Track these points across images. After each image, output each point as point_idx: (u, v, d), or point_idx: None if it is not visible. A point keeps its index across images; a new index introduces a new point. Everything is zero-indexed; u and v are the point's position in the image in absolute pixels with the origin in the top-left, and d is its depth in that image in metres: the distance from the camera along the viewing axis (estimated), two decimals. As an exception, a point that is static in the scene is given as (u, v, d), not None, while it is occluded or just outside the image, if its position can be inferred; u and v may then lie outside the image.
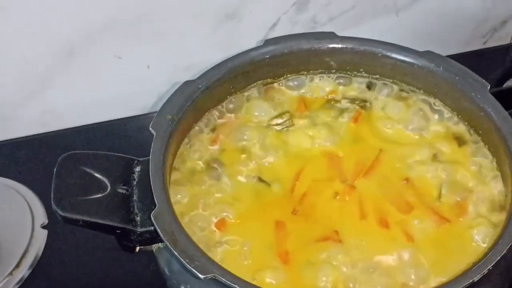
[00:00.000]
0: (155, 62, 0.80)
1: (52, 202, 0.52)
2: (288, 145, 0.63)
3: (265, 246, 0.55)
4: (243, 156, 0.62)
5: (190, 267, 0.47)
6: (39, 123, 0.83)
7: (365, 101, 0.66)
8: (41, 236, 0.73)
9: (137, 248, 0.55)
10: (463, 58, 0.92)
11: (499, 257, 0.47)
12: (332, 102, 0.67)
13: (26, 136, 0.84)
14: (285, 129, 0.64)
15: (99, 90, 0.81)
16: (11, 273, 0.70)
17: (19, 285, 0.69)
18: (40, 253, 0.72)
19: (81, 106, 0.82)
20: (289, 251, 0.54)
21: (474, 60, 0.94)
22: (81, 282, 0.70)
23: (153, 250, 0.56)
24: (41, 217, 0.75)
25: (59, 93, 0.79)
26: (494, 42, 0.95)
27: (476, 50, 0.95)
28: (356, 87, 0.67)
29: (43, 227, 0.74)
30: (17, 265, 0.70)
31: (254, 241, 0.55)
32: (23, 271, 0.70)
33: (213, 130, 0.64)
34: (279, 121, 0.65)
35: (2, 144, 0.83)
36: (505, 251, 0.47)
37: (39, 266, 0.71)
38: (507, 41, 0.95)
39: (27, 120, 0.82)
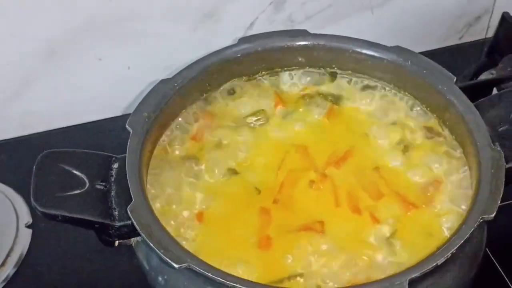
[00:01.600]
0: (136, 62, 0.82)
1: (32, 198, 0.53)
2: (264, 140, 0.64)
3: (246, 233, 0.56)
4: (220, 152, 0.63)
5: (165, 257, 0.48)
6: (20, 124, 0.84)
7: (338, 96, 0.68)
8: (26, 235, 0.75)
9: (116, 243, 0.56)
10: (439, 53, 0.94)
11: (462, 241, 0.48)
12: (306, 98, 0.68)
13: (8, 139, 0.85)
14: (259, 125, 0.65)
15: (80, 91, 0.82)
16: (-4, 272, 0.71)
17: (3, 284, 0.70)
18: (24, 252, 0.73)
19: (62, 107, 0.83)
20: (271, 237, 0.56)
21: (451, 55, 0.96)
22: (66, 279, 0.72)
23: (132, 244, 0.57)
24: (26, 217, 0.76)
25: (40, 94, 0.81)
26: (469, 37, 0.97)
27: (452, 46, 0.97)
28: (329, 82, 0.68)
29: (28, 226, 0.75)
30: (2, 264, 0.72)
31: (234, 230, 0.56)
32: (8, 270, 0.72)
33: (189, 127, 0.65)
34: (254, 118, 0.66)
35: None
36: (468, 235, 0.49)
37: (24, 265, 0.73)
38: (482, 36, 0.97)
39: (8, 122, 0.83)
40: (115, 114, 0.86)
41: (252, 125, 0.66)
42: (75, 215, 0.53)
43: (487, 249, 0.65)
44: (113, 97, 0.84)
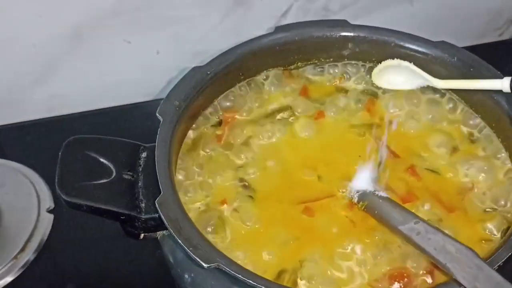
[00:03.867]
0: (165, 48, 0.80)
1: (56, 186, 0.51)
2: (292, 134, 0.62)
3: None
4: (246, 148, 0.61)
5: (194, 256, 0.46)
6: (46, 107, 0.83)
7: (375, 93, 0.65)
8: (47, 220, 0.73)
9: (142, 235, 0.54)
10: (477, 50, 0.90)
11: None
12: (342, 91, 0.65)
13: (33, 120, 0.84)
14: (288, 119, 0.63)
15: (107, 75, 0.80)
16: (16, 257, 0.69)
17: (23, 269, 0.69)
18: (45, 238, 0.72)
19: (88, 91, 0.81)
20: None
21: (489, 52, 0.92)
22: (85, 267, 0.70)
23: (157, 238, 0.55)
24: (47, 202, 0.75)
25: (66, 77, 0.79)
26: (510, 34, 0.93)
27: (491, 42, 0.93)
28: (367, 77, 0.66)
29: (49, 211, 0.74)
30: (22, 249, 0.70)
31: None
32: (28, 255, 0.70)
33: (220, 120, 0.63)
34: (281, 115, 0.64)
35: (10, 128, 0.83)
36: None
37: (44, 251, 0.71)
38: (524, 32, 0.94)
39: (34, 104, 0.82)
40: (141, 99, 0.84)
41: (281, 119, 0.63)
42: (100, 206, 0.51)
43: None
44: (140, 82, 0.82)
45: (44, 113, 0.83)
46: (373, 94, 0.65)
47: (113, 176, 0.53)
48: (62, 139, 0.69)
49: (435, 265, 0.49)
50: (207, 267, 0.45)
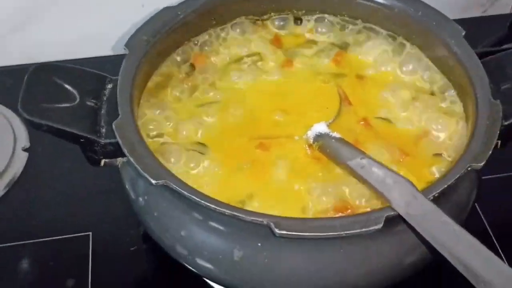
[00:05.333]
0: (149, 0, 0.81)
1: (19, 106, 0.53)
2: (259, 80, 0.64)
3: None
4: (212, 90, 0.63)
5: (144, 173, 0.48)
6: (25, 55, 0.84)
7: (344, 44, 0.66)
8: (21, 158, 0.75)
9: (102, 162, 0.56)
10: (461, 23, 0.92)
11: (446, 185, 0.47)
12: (311, 44, 0.67)
13: (11, 65, 0.85)
14: (256, 65, 0.65)
15: (89, 26, 0.82)
16: (-15, 191, 0.71)
17: (-9, 203, 0.70)
18: (18, 175, 0.74)
19: (69, 41, 0.83)
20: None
21: (473, 27, 0.93)
22: (56, 205, 0.72)
23: (118, 166, 0.56)
24: (24, 140, 0.76)
25: (46, 26, 0.81)
26: (493, 11, 0.94)
27: (475, 17, 0.94)
28: (337, 31, 0.67)
29: (25, 150, 0.75)
30: (-7, 184, 0.72)
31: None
32: (-1, 190, 0.71)
33: (190, 63, 0.64)
34: (249, 60, 0.65)
35: (-8, 71, 0.85)
36: (453, 180, 0.47)
37: (15, 187, 0.73)
38: (506, 11, 0.95)
39: (14, 51, 0.84)
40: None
41: (247, 66, 0.65)
42: (60, 127, 0.53)
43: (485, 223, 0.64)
44: (124, 35, 0.83)
45: (22, 59, 0.84)
46: (341, 46, 0.66)
47: (76, 102, 0.55)
48: None
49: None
50: (155, 183, 0.47)
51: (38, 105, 0.53)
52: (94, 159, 0.56)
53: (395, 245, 0.49)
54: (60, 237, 0.68)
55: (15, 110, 0.78)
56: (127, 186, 0.55)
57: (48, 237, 0.68)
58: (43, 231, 0.69)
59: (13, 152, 0.75)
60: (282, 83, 0.64)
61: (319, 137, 0.56)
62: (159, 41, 0.60)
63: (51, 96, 0.55)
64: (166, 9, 0.62)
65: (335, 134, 0.56)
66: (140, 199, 0.53)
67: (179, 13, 0.62)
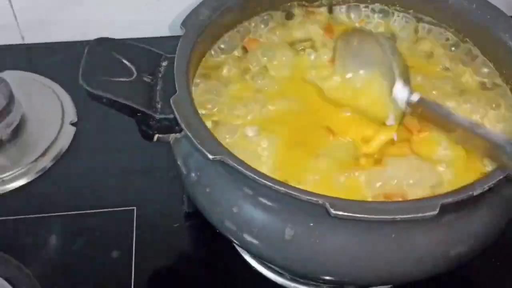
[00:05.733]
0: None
1: (80, 77, 0.54)
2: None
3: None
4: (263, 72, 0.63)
5: (201, 147, 0.48)
6: (78, 30, 0.85)
7: (393, 34, 0.67)
8: (69, 132, 0.77)
9: (155, 137, 0.57)
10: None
11: (502, 176, 0.47)
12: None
13: (66, 42, 0.87)
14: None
15: (146, 5, 0.84)
16: (35, 161, 0.73)
17: (39, 174, 0.73)
18: (65, 148, 0.75)
19: (123, 20, 0.84)
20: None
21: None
22: (101, 180, 0.73)
23: (170, 142, 0.58)
24: (71, 115, 0.78)
25: (100, 4, 0.83)
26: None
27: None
28: (385, 19, 0.68)
29: (72, 124, 0.77)
30: (41, 155, 0.74)
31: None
32: (46, 162, 0.74)
33: (242, 46, 0.65)
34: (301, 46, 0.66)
35: (44, 46, 0.87)
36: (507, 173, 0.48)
37: (62, 160, 0.75)
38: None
39: (67, 26, 0.85)
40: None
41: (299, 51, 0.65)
42: (120, 100, 0.54)
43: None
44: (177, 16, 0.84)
45: (76, 35, 0.86)
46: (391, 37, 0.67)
47: (133, 77, 0.56)
48: None
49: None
50: (212, 158, 0.48)
51: (98, 78, 0.55)
52: (148, 134, 0.57)
53: (446, 234, 0.49)
54: (105, 209, 0.70)
55: (64, 85, 0.81)
56: (179, 162, 0.56)
57: (93, 210, 0.69)
58: (88, 204, 0.70)
59: (61, 126, 0.77)
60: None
61: (420, 101, 0.55)
62: (214, 22, 0.61)
63: (110, 69, 0.56)
64: (223, -9, 0.62)
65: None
66: (193, 174, 0.54)
67: (234, -5, 0.62)
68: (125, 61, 0.57)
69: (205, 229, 0.67)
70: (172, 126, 0.55)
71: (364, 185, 0.53)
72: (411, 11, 0.68)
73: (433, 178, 0.53)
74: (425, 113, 0.55)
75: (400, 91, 0.56)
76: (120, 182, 0.73)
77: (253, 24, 0.67)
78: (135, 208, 0.70)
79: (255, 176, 0.47)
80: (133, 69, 0.57)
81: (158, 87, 0.57)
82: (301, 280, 0.63)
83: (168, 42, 0.58)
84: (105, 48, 0.57)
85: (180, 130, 0.56)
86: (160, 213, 0.70)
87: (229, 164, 0.48)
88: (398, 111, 0.56)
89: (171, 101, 0.52)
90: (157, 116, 0.55)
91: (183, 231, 0.69)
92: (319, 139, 0.56)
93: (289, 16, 0.68)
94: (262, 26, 0.67)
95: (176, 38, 0.59)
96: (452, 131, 0.53)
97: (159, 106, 0.55)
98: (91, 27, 0.84)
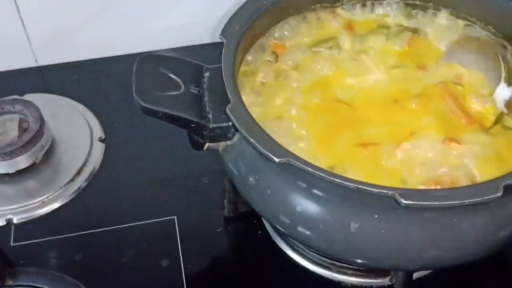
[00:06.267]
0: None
1: (134, 94, 0.56)
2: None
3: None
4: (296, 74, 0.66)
5: (266, 152, 0.50)
6: (92, 49, 0.87)
7: (416, 29, 0.70)
8: (99, 148, 0.78)
9: (206, 146, 0.59)
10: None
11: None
12: (382, 28, 0.70)
13: (80, 61, 0.88)
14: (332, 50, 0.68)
15: (154, 20, 0.86)
16: (72, 180, 0.74)
17: (75, 194, 0.74)
18: (98, 165, 0.77)
19: (136, 35, 0.86)
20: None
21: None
22: (137, 194, 0.74)
23: (219, 150, 0.59)
24: (98, 132, 0.79)
25: (115, 20, 0.84)
26: None
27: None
28: (407, 14, 0.71)
29: (101, 140, 0.78)
30: (77, 174, 0.75)
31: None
32: (80, 182, 0.75)
33: (273, 51, 0.68)
34: (326, 45, 0.69)
35: (58, 67, 0.88)
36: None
37: (96, 178, 0.76)
38: None
39: (83, 45, 0.86)
40: (185, 44, 0.89)
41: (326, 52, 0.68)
42: (174, 113, 0.56)
43: None
44: (186, 27, 0.86)
45: (90, 54, 0.87)
46: (414, 31, 0.70)
47: (182, 90, 0.58)
48: (107, 78, 0.71)
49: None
50: (279, 161, 0.50)
51: (151, 93, 0.56)
52: (199, 143, 0.59)
53: (506, 215, 0.52)
54: (147, 221, 0.71)
55: (86, 104, 0.82)
56: (233, 169, 0.58)
57: (135, 222, 0.71)
58: (129, 217, 0.72)
59: (91, 144, 0.78)
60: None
61: None
62: (248, 30, 0.63)
63: (159, 84, 0.58)
64: (253, -1, 0.64)
65: None
66: (251, 178, 0.56)
67: (264, 2, 0.64)
68: (171, 75, 0.58)
69: (247, 232, 0.71)
70: (223, 134, 0.57)
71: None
72: (430, 3, 0.71)
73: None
74: None
75: (503, 91, 0.60)
76: (157, 193, 0.74)
77: (281, 29, 0.69)
78: (175, 217, 0.71)
79: (322, 175, 0.49)
80: (180, 81, 0.59)
81: (206, 98, 0.59)
82: (349, 272, 0.65)
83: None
84: (151, 63, 0.59)
85: (232, 137, 0.58)
86: (201, 219, 0.72)
87: (295, 165, 0.50)
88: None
89: (227, 110, 0.54)
90: (211, 125, 0.57)
91: (225, 235, 0.71)
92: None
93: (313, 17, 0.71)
94: (289, 30, 0.69)
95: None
96: None
97: (210, 116, 0.57)
98: (103, 45, 0.85)
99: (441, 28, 0.69)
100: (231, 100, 0.55)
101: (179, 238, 0.70)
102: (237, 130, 0.56)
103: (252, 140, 0.51)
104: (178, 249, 0.69)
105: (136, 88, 0.56)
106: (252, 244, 0.70)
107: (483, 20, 0.68)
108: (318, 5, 0.70)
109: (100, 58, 0.88)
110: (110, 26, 0.85)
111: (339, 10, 0.71)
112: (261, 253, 0.69)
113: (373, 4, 0.71)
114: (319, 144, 0.59)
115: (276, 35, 0.69)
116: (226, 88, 0.55)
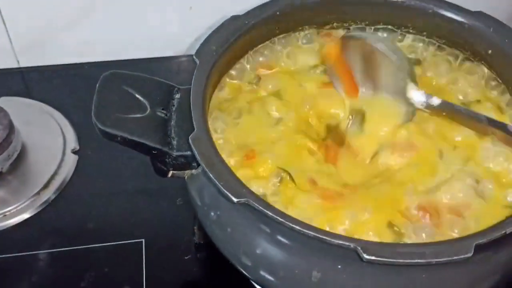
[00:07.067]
0: (198, 4, 0.80)
1: (93, 116, 0.52)
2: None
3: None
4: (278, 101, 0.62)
5: (225, 190, 0.47)
6: (75, 53, 0.84)
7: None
8: (71, 160, 0.74)
9: (170, 173, 0.55)
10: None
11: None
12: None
13: (62, 64, 0.85)
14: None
15: (139, 27, 0.82)
16: (38, 193, 0.70)
17: (44, 205, 0.70)
18: (68, 178, 0.73)
19: (119, 41, 0.83)
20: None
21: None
22: (107, 208, 0.71)
23: (185, 177, 0.56)
24: (73, 143, 0.76)
25: (98, 25, 0.80)
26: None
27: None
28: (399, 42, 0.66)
29: (74, 152, 0.74)
30: (45, 187, 0.71)
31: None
32: (50, 193, 0.71)
33: (255, 75, 0.64)
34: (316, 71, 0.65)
35: (39, 70, 0.85)
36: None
37: (66, 190, 0.72)
38: None
39: (64, 48, 0.83)
40: (171, 54, 0.85)
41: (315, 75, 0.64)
42: (135, 138, 0.52)
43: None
44: (170, 36, 0.83)
45: (73, 58, 0.84)
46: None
47: (147, 112, 0.54)
48: (90, 84, 0.69)
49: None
50: (237, 201, 0.46)
51: (112, 115, 0.53)
52: (162, 171, 0.55)
53: (477, 272, 0.48)
54: (112, 243, 0.67)
55: (63, 111, 0.78)
56: (195, 199, 0.54)
57: (100, 243, 0.68)
58: (94, 237, 0.68)
59: (63, 154, 0.74)
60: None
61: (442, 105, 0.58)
62: (227, 50, 0.59)
63: (122, 105, 0.54)
64: (234, 17, 0.61)
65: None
66: (212, 213, 0.52)
67: (246, 22, 0.61)
68: (137, 95, 0.55)
69: (217, 261, 0.66)
70: (188, 163, 0.54)
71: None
72: (424, 33, 0.66)
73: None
74: (451, 115, 0.58)
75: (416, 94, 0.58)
76: (127, 212, 0.70)
77: (265, 50, 0.65)
78: (143, 240, 0.68)
79: (282, 220, 0.46)
80: (146, 103, 0.55)
81: (173, 122, 0.55)
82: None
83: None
84: (116, 82, 0.55)
85: (197, 167, 0.54)
86: (170, 244, 0.68)
87: (254, 207, 0.46)
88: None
89: (190, 140, 0.50)
90: (174, 153, 0.53)
91: (194, 263, 0.67)
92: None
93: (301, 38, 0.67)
94: (274, 52, 0.65)
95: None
96: (479, 127, 0.56)
97: (174, 142, 0.53)
98: (87, 49, 0.82)
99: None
100: (195, 129, 0.51)
101: (145, 263, 0.66)
102: (201, 160, 0.51)
103: (211, 176, 0.48)
104: (142, 275, 0.65)
105: (96, 109, 0.52)
106: (220, 275, 0.66)
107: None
108: (306, 26, 0.66)
109: (85, 63, 0.84)
110: (92, 30, 0.81)
111: (330, 32, 0.67)
112: (229, 284, 0.65)
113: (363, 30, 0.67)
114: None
115: (259, 56, 0.64)
116: (192, 115, 0.51)
